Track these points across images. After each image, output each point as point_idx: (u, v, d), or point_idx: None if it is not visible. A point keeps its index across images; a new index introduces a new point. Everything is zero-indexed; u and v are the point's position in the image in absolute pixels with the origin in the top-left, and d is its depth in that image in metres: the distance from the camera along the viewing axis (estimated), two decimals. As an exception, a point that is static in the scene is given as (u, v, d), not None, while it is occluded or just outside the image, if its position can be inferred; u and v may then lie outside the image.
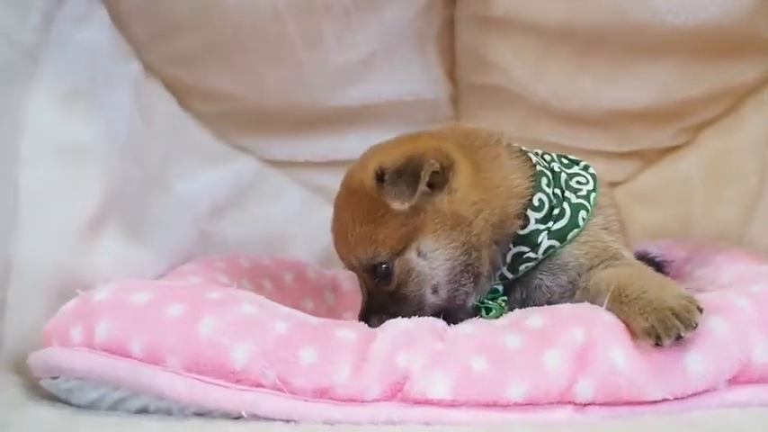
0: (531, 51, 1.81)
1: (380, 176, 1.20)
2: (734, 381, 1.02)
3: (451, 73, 1.95)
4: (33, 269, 1.29)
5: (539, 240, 1.29)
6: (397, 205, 1.18)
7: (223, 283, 1.52)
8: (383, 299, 1.26)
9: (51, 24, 1.41)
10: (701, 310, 1.01)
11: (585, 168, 1.43)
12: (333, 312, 1.72)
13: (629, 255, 1.34)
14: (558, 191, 1.35)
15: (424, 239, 1.23)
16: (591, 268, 1.29)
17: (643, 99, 1.81)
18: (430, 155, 1.21)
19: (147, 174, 1.64)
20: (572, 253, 1.31)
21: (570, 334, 1.05)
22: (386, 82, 1.84)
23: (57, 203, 1.36)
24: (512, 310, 1.23)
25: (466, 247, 1.25)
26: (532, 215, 1.30)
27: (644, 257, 1.57)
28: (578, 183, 1.38)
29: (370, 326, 1.16)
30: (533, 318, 1.11)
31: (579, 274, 1.30)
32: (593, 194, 1.36)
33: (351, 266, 1.29)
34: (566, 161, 1.45)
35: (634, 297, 1.06)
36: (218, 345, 1.02)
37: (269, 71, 1.72)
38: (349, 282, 1.77)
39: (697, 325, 0.99)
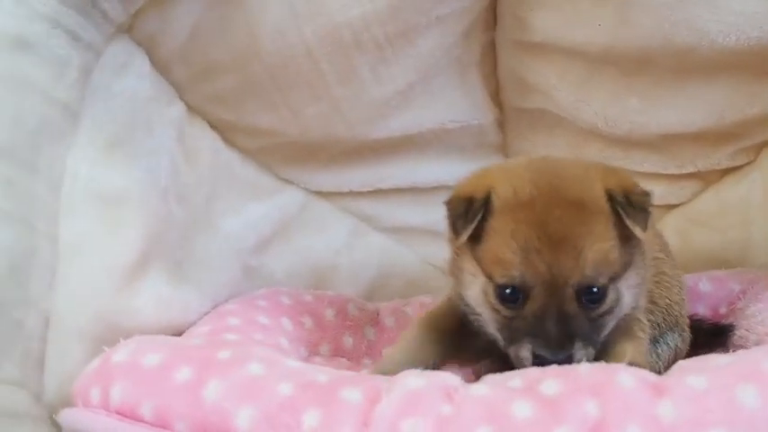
0: (575, 75, 1.75)
1: (611, 200, 1.20)
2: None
3: (496, 97, 1.92)
4: (73, 320, 1.34)
5: None
6: (639, 232, 1.18)
7: (262, 324, 1.55)
8: (583, 324, 1.19)
9: (89, 77, 1.45)
10: None
11: None
12: (373, 347, 1.72)
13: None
14: None
15: (632, 272, 1.25)
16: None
17: (696, 120, 1.73)
18: (643, 190, 1.23)
19: (192, 213, 1.67)
20: None
21: (583, 406, 0.99)
22: (426, 111, 1.82)
23: (96, 252, 1.40)
24: None
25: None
26: None
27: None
28: None
29: (571, 354, 1.15)
30: (548, 382, 1.06)
31: None
32: None
33: (554, 284, 1.17)
34: None
35: None
36: (222, 410, 1.03)
37: (306, 107, 1.73)
38: (391, 317, 1.77)
39: None
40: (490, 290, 1.23)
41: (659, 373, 1.11)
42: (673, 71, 1.66)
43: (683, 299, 1.53)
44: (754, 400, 0.97)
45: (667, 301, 1.47)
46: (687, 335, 1.48)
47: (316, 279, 1.92)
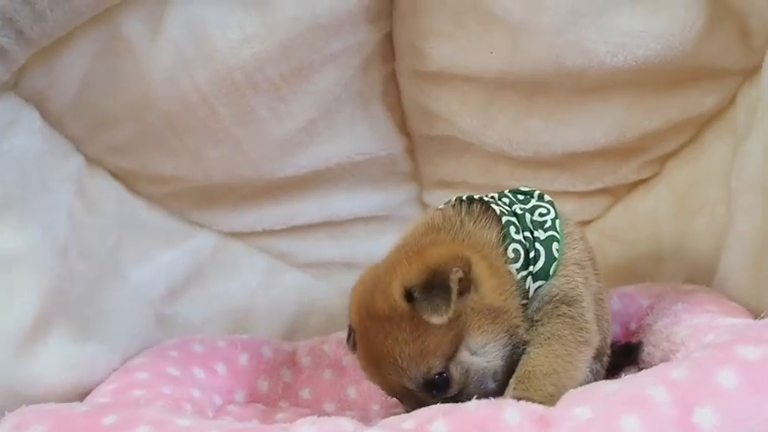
0: (475, 101, 1.76)
1: (410, 296, 1.21)
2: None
3: (404, 126, 1.91)
4: None
5: (527, 286, 1.31)
6: (436, 320, 1.18)
7: (173, 376, 1.52)
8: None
9: (-24, 138, 1.43)
10: None
11: (541, 197, 1.43)
12: (289, 389, 1.70)
13: (587, 299, 1.35)
14: (527, 233, 1.34)
15: (472, 337, 1.24)
16: (549, 306, 1.31)
17: (597, 138, 1.75)
18: (451, 263, 1.22)
19: (97, 266, 1.64)
20: (553, 284, 1.32)
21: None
22: (331, 145, 1.81)
23: None
24: None
25: (510, 331, 1.27)
26: (512, 267, 1.31)
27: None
28: (540, 215, 1.39)
29: None
30: (438, 423, 1.06)
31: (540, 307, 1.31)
32: (557, 222, 1.37)
33: (402, 391, 1.26)
34: (521, 196, 1.44)
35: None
36: (104, 481, 1.01)
37: (208, 151, 1.70)
38: (308, 357, 1.75)
39: None
40: None
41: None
42: (570, 92, 1.68)
43: (611, 325, 1.54)
44: (637, 429, 0.97)
45: (604, 327, 1.46)
46: (606, 359, 1.48)
47: (234, 322, 1.89)
